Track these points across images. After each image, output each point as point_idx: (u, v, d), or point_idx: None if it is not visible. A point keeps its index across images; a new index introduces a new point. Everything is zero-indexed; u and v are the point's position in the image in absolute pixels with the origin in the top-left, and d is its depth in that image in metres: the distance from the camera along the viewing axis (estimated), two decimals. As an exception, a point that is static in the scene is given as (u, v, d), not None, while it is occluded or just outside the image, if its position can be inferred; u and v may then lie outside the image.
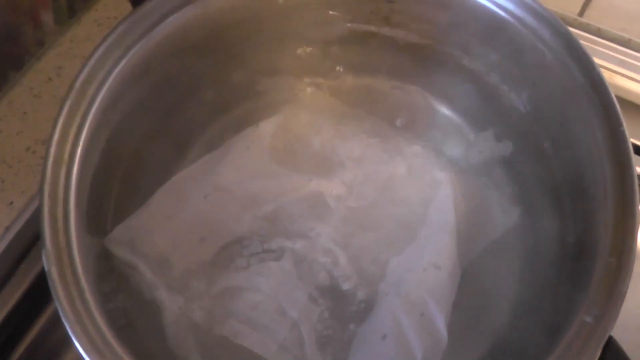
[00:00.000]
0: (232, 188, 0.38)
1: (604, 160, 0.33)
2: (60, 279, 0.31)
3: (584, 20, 0.51)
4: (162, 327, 0.35)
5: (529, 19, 0.37)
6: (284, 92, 0.42)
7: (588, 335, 0.29)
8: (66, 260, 0.31)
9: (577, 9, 0.53)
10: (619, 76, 0.48)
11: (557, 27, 0.36)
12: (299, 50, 0.43)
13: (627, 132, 0.33)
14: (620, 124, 0.32)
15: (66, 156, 0.34)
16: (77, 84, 0.35)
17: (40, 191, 0.32)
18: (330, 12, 0.41)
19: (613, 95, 0.33)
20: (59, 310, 0.30)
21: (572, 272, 0.33)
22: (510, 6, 0.37)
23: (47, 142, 0.34)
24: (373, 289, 0.36)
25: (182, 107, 0.42)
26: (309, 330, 0.35)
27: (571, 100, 0.35)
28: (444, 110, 0.42)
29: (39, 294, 0.41)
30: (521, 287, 0.37)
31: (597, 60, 0.35)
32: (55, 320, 0.30)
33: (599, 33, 0.50)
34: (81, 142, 0.34)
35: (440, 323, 0.34)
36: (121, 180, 0.39)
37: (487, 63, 0.41)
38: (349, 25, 0.42)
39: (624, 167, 0.32)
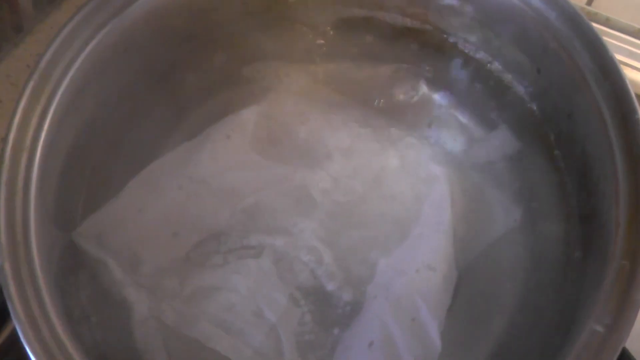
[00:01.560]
0: (210, 179, 0.35)
1: (615, 153, 0.30)
2: (13, 276, 0.28)
3: (592, 9, 0.48)
4: (130, 328, 0.32)
5: (534, 0, 0.34)
6: (269, 79, 0.39)
7: (599, 346, 0.26)
8: (22, 256, 0.29)
9: (586, -2, 0.50)
10: (628, 68, 0.46)
11: (565, 9, 0.33)
12: (287, 35, 0.40)
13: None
14: (634, 112, 0.29)
15: (28, 142, 0.31)
16: (42, 64, 0.32)
17: (-3, 178, 0.30)
18: (320, -6, 0.39)
19: (627, 81, 0.30)
20: (11, 311, 0.27)
21: (580, 276, 0.31)
22: (513, -14, 0.34)
23: (7, 126, 0.31)
24: (360, 291, 0.33)
25: (162, 95, 0.39)
26: (289, 335, 0.32)
27: (579, 87, 0.32)
28: (441, 100, 0.39)
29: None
30: (523, 292, 0.34)
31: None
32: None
33: (607, 23, 0.47)
34: (46, 127, 0.32)
35: (433, 330, 0.31)
36: (94, 170, 0.36)
37: (488, 49, 0.38)
38: (340, 8, 0.40)
39: (638, 160, 0.29)
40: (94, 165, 0.36)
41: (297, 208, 0.35)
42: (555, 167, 0.35)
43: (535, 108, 0.37)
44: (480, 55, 0.38)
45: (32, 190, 0.31)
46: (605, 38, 0.32)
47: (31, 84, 0.32)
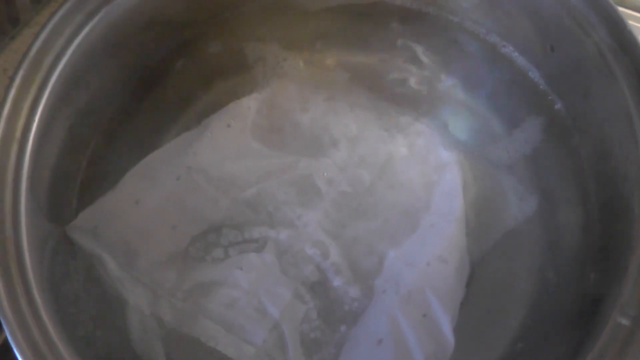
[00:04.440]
0: (209, 169, 0.34)
1: (637, 133, 0.28)
2: (2, 273, 0.27)
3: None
4: (126, 327, 0.31)
5: (548, -24, 0.32)
6: (270, 66, 0.38)
7: (624, 341, 0.25)
8: (12, 251, 0.28)
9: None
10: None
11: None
12: (288, 22, 0.39)
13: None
14: (658, 89, 0.28)
15: (18, 133, 0.30)
16: (32, 52, 0.31)
17: (-15, 170, 0.29)
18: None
19: (648, 57, 0.29)
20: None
21: (601, 265, 0.29)
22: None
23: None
24: (368, 285, 0.32)
25: (160, 84, 0.38)
26: (293, 332, 0.30)
27: (596, 65, 0.31)
28: (450, 86, 0.38)
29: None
30: (541, 285, 0.32)
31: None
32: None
33: (622, 2, 0.45)
34: (37, 118, 0.31)
35: (446, 326, 0.30)
36: (89, 163, 0.35)
37: (499, 30, 0.36)
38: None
39: (661, 140, 0.27)
40: (89, 157, 0.35)
41: (301, 199, 0.33)
42: (571, 151, 0.33)
43: (548, 90, 0.35)
44: (491, 37, 0.37)
45: (23, 182, 0.30)
46: (631, 22, 0.30)
47: (21, 73, 0.31)
